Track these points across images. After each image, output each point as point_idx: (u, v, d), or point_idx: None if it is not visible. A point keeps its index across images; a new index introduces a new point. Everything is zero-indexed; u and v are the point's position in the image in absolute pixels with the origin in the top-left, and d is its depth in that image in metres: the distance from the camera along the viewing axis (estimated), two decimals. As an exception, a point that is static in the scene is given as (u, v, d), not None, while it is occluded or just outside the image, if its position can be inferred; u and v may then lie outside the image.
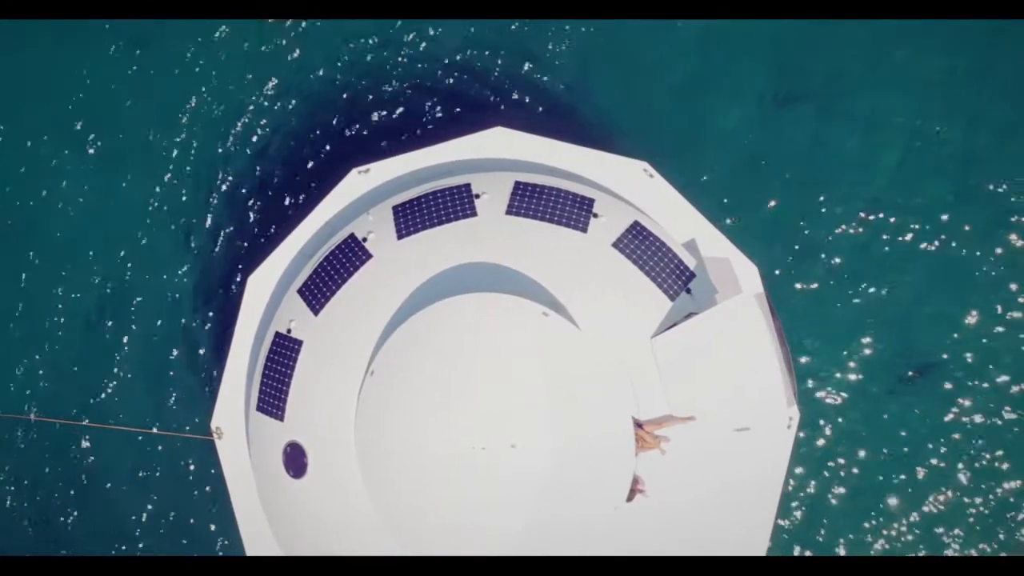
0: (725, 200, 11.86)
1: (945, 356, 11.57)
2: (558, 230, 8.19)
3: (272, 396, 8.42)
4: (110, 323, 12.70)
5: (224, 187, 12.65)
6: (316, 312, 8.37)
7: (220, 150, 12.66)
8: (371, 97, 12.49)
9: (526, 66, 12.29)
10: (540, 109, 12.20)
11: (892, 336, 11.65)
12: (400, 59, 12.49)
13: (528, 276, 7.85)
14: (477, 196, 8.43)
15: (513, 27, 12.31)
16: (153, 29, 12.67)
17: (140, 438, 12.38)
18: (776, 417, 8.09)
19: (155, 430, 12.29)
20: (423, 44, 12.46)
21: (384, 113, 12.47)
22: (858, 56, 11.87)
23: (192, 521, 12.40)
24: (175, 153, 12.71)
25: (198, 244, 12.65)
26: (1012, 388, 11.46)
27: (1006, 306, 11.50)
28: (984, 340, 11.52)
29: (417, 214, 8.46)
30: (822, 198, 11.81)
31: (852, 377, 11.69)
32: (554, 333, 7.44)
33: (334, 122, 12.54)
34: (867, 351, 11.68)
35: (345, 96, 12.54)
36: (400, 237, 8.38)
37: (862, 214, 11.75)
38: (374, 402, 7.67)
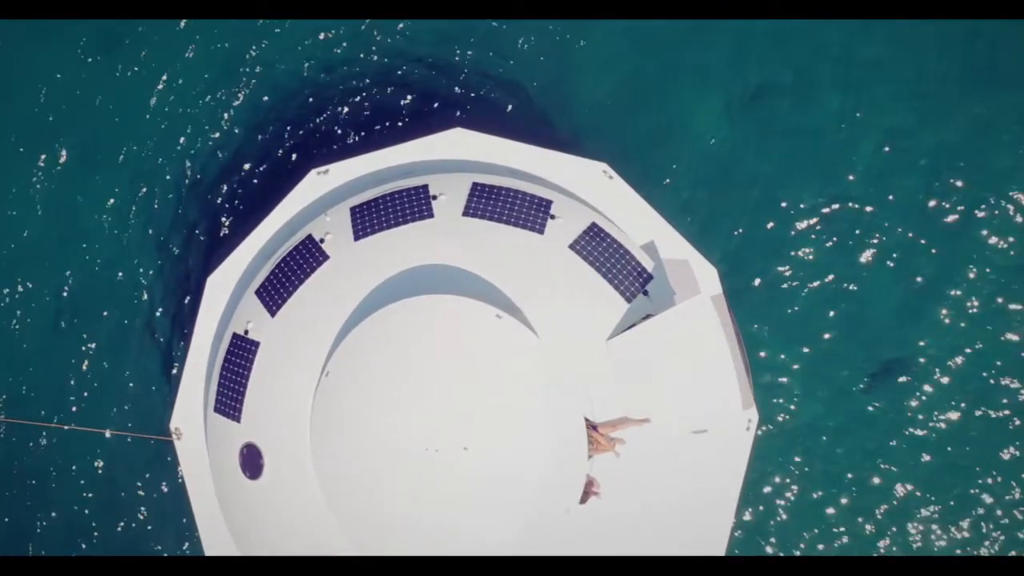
0: (685, 196, 11.88)
1: (908, 352, 11.67)
2: (515, 232, 8.19)
3: (229, 397, 8.40)
4: (76, 320, 12.62)
5: (187, 187, 12.61)
6: (273, 313, 8.35)
7: (183, 150, 12.61)
8: (334, 96, 12.46)
9: (494, 64, 12.27)
10: (509, 108, 12.18)
11: (854, 332, 11.73)
12: (365, 56, 12.44)
13: (484, 278, 7.85)
14: (434, 197, 8.42)
15: (482, 26, 12.28)
16: (121, 29, 12.56)
17: (108, 435, 12.30)
18: (733, 418, 8.15)
19: (110, 432, 12.22)
20: (389, 39, 12.40)
21: (346, 111, 12.43)
22: (828, 54, 11.91)
23: (150, 524, 12.38)
24: (140, 152, 12.63)
25: (162, 243, 12.58)
26: (973, 383, 11.58)
27: (971, 302, 11.61)
28: (948, 337, 11.63)
29: (374, 215, 8.45)
30: (785, 194, 11.86)
31: (813, 373, 11.74)
32: (507, 335, 7.44)
33: (298, 120, 12.50)
34: (828, 347, 11.74)
35: (309, 95, 12.51)
36: (357, 238, 8.37)
37: (825, 210, 11.81)
38: (329, 403, 7.66)
